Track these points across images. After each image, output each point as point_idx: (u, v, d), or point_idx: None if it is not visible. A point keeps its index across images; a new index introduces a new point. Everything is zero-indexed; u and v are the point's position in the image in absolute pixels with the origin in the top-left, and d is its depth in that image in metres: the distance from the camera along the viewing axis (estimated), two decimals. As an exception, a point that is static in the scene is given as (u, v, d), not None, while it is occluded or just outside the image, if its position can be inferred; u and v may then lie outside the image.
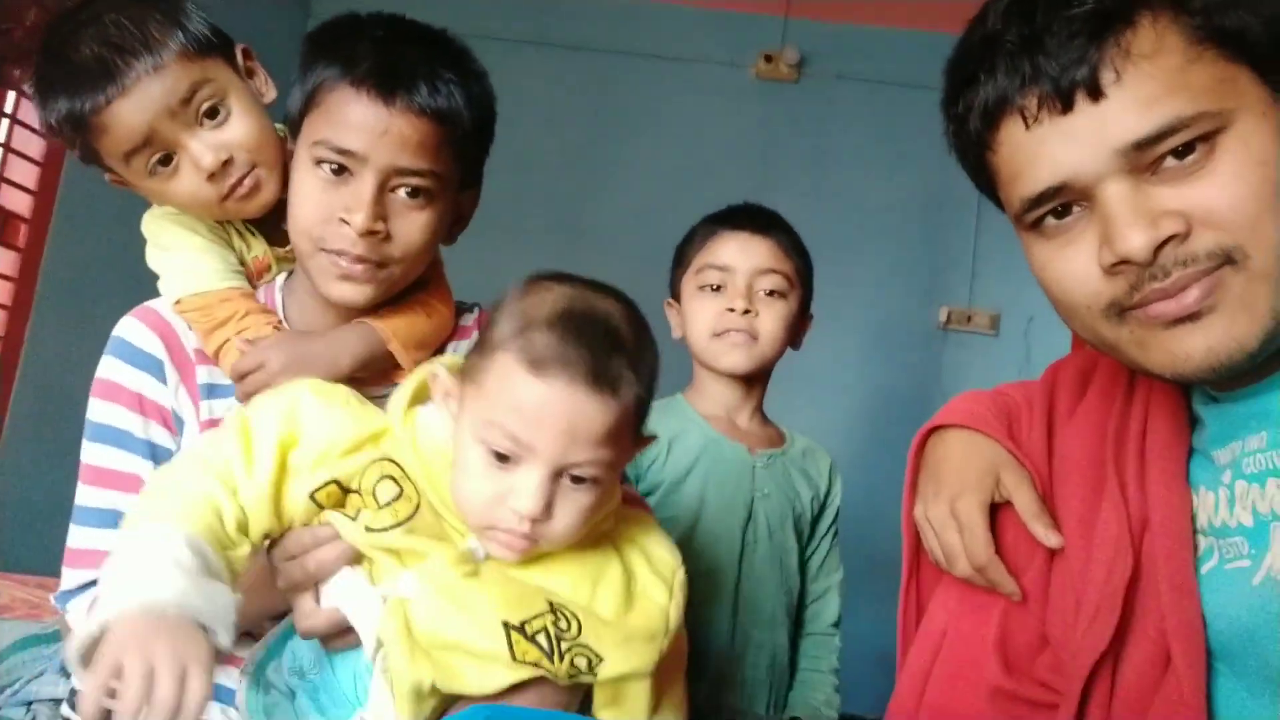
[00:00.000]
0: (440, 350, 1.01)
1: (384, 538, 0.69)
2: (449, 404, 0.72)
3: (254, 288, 0.96)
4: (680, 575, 0.77)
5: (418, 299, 0.96)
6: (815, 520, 1.35)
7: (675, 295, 1.37)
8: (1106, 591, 0.71)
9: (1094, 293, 0.66)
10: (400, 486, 0.71)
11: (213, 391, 0.92)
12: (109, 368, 0.92)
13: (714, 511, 1.25)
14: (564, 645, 0.67)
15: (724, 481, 1.26)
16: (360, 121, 0.82)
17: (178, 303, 0.91)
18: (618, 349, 0.68)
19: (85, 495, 0.91)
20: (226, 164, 0.89)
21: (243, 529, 0.68)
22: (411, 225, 0.86)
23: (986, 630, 0.78)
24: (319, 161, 0.84)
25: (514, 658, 0.66)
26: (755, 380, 1.32)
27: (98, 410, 0.91)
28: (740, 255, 1.28)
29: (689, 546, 1.21)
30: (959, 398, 0.91)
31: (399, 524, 0.69)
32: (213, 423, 0.90)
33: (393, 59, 0.84)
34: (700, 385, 1.34)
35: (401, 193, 0.85)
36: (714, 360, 1.28)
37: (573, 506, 0.69)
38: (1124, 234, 0.62)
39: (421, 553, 0.69)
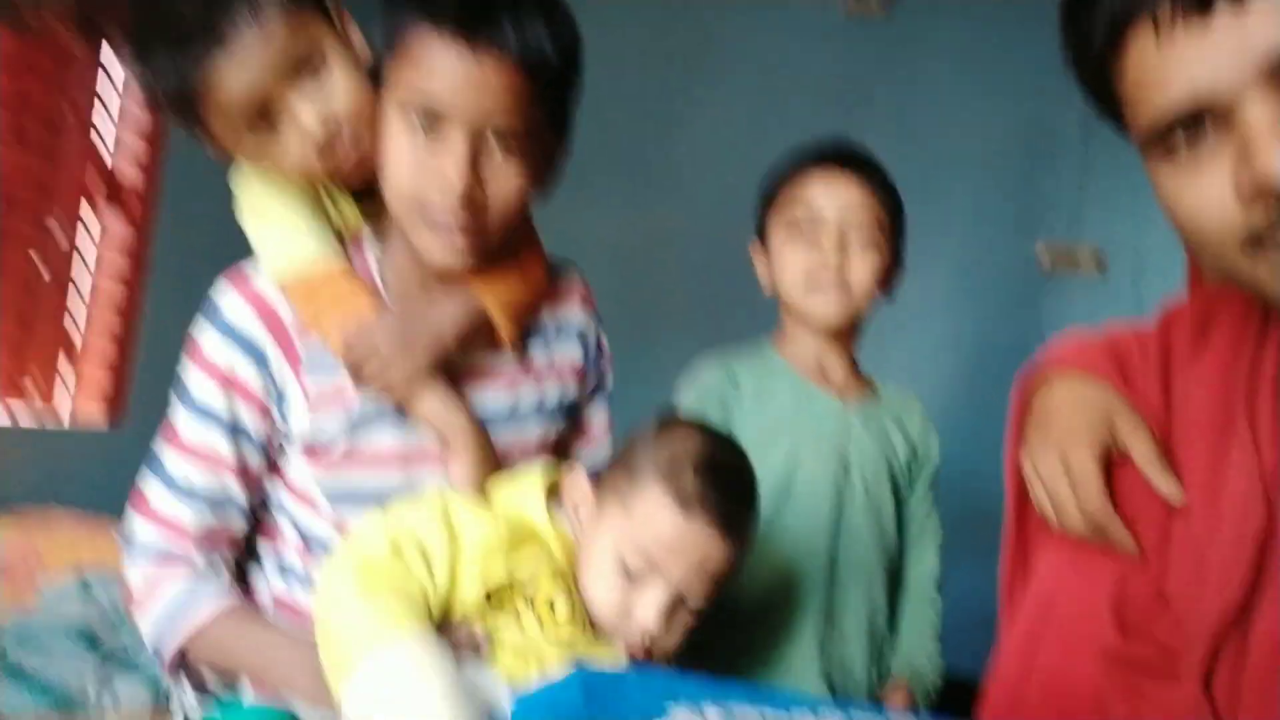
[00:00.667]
0: (535, 310, 0.99)
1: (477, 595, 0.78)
2: (580, 511, 0.85)
3: (346, 250, 0.94)
4: None
5: (513, 260, 0.94)
6: (911, 475, 1.29)
7: (760, 235, 1.30)
8: (1236, 550, 0.66)
9: (1230, 223, 0.60)
10: (572, 600, 0.80)
11: (315, 367, 0.90)
12: (202, 334, 0.91)
13: (808, 466, 1.20)
14: None
15: (818, 435, 1.21)
16: (447, 70, 0.79)
17: (280, 282, 0.89)
18: (745, 501, 0.85)
19: (163, 451, 0.92)
20: (332, 130, 0.85)
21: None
22: (508, 184, 0.84)
23: (1100, 590, 0.73)
24: (408, 116, 0.82)
25: None
26: (847, 330, 1.26)
27: (188, 373, 0.91)
28: (832, 199, 1.21)
29: (781, 503, 1.18)
30: (1065, 339, 0.85)
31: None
32: (320, 397, 0.89)
33: (481, 2, 0.80)
34: (790, 334, 1.28)
35: (495, 150, 0.83)
36: (805, 312, 1.23)
37: (679, 628, 0.82)
38: (1266, 157, 0.56)
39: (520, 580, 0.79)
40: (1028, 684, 0.75)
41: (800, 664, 1.14)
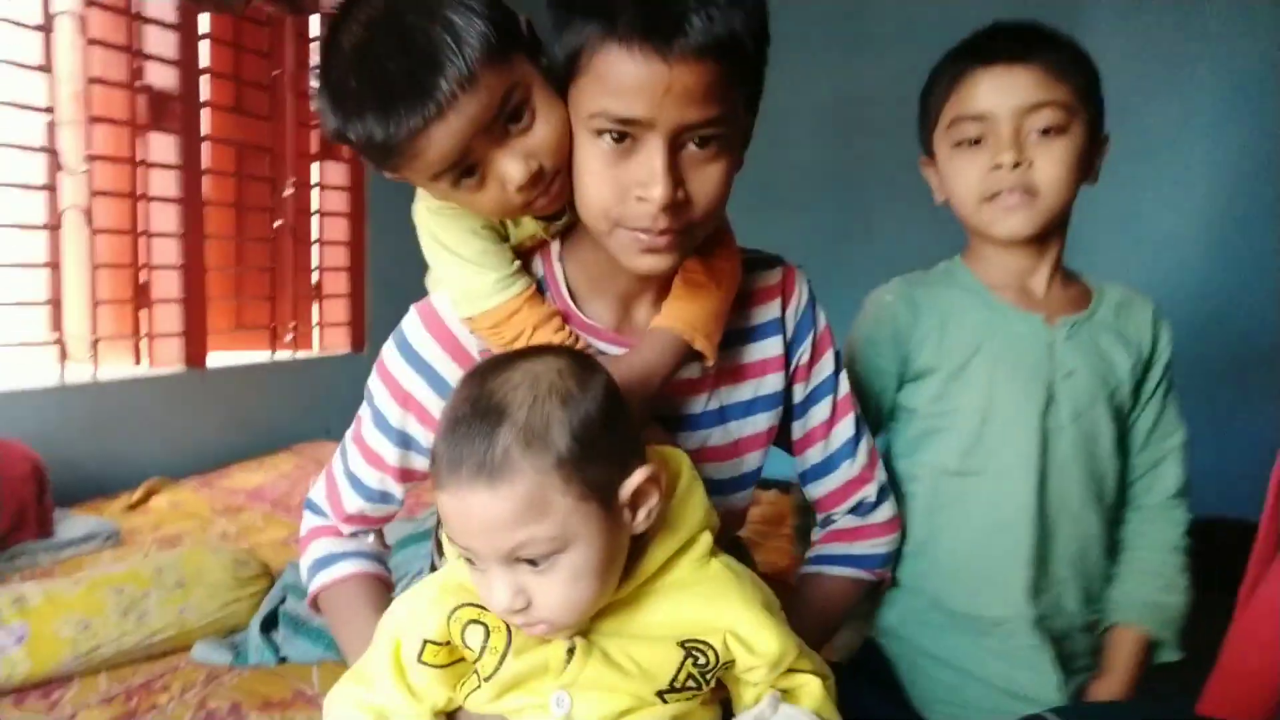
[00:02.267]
0: (734, 308, 0.94)
1: (502, 679, 0.69)
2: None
3: (530, 260, 0.92)
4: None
5: (705, 265, 0.90)
6: (1141, 384, 1.12)
7: (928, 152, 1.14)
8: None
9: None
10: (483, 623, 0.70)
11: None
12: (389, 352, 0.93)
13: (1006, 399, 1.07)
14: (708, 676, 0.69)
15: (1018, 362, 1.07)
16: (636, 84, 0.73)
17: (469, 321, 0.88)
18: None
19: (346, 438, 0.98)
20: (537, 174, 0.80)
21: None
22: (709, 180, 0.79)
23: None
24: (599, 132, 0.77)
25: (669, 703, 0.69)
26: (1048, 237, 1.09)
27: (372, 379, 0.95)
28: (998, 95, 1.03)
29: (975, 443, 1.09)
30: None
31: (502, 656, 0.69)
32: None
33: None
34: (979, 250, 1.13)
35: (692, 146, 0.77)
36: (988, 228, 1.07)
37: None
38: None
39: (544, 664, 0.69)
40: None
41: (1011, 615, 1.07)
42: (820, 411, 1.02)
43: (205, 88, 2.45)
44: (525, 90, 0.78)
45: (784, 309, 0.99)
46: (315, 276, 2.91)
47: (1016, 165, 1.02)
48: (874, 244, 3.51)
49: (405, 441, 0.93)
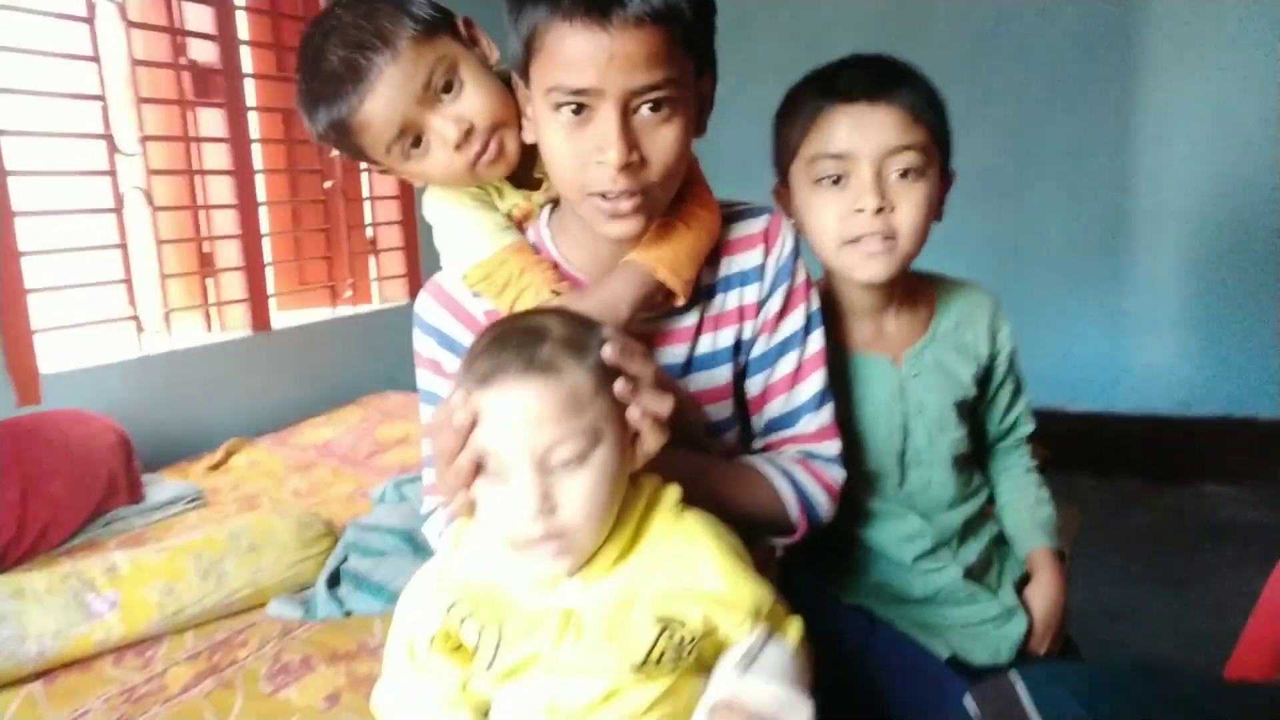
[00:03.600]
0: (715, 262, 0.99)
1: (498, 670, 0.74)
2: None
3: (523, 234, 0.99)
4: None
5: (676, 212, 0.94)
6: (988, 379, 1.19)
7: (782, 180, 1.12)
8: None
9: None
10: (475, 618, 0.74)
11: None
12: (415, 337, 1.02)
13: (866, 443, 1.11)
14: (685, 650, 0.72)
15: (875, 412, 1.11)
16: (583, 56, 0.80)
17: (465, 278, 0.97)
18: None
19: (426, 444, 1.01)
20: (469, 134, 0.92)
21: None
22: (663, 141, 0.85)
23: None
24: (557, 106, 0.83)
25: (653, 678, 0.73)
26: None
27: (418, 374, 1.02)
28: (860, 137, 1.02)
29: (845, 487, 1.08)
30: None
31: (496, 648, 0.74)
32: None
33: None
34: (834, 287, 1.13)
35: (645, 111, 0.83)
36: (849, 272, 1.07)
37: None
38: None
39: (534, 654, 0.73)
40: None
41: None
42: (785, 365, 1.02)
43: (246, 58, 2.52)
44: (452, 65, 0.92)
45: (765, 256, 1.00)
46: (369, 232, 3.00)
47: (879, 211, 1.02)
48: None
49: None
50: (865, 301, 1.13)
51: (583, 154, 0.84)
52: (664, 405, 0.77)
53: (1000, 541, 1.23)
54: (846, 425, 1.08)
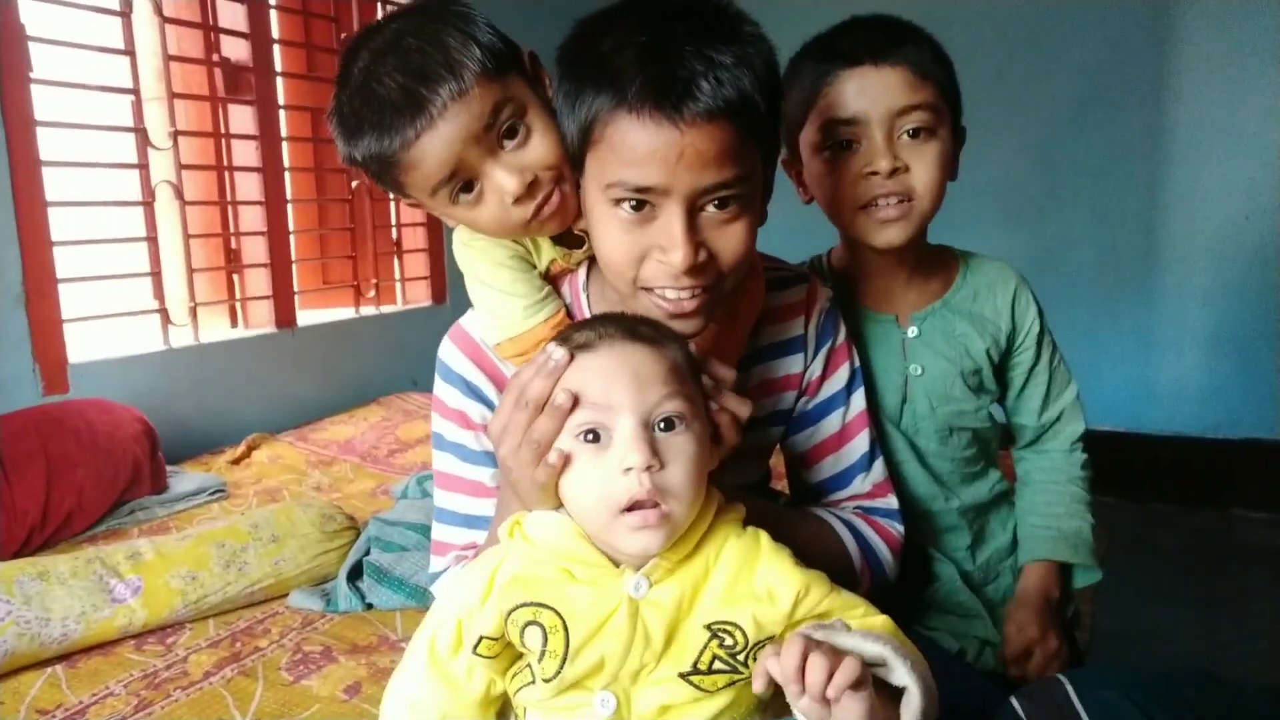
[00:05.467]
0: (755, 330, 0.96)
1: (563, 680, 0.70)
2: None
3: (558, 290, 0.94)
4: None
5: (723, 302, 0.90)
6: (1006, 359, 1.16)
7: (792, 151, 1.10)
8: None
9: None
10: (540, 624, 0.70)
11: None
12: (437, 386, 0.96)
13: (870, 398, 1.08)
14: (741, 657, 0.70)
15: (875, 365, 1.10)
16: (649, 152, 0.74)
17: (497, 348, 0.91)
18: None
19: (439, 498, 0.98)
20: (531, 187, 0.83)
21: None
22: (731, 239, 0.79)
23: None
24: (617, 201, 0.78)
25: (709, 692, 0.69)
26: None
27: (436, 422, 0.97)
28: (868, 98, 1.00)
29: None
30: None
31: (562, 661, 0.69)
32: None
33: (662, 65, 0.73)
34: (850, 251, 1.13)
35: (712, 208, 0.77)
36: (865, 236, 1.05)
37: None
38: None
39: (600, 660, 0.70)
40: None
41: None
42: (830, 424, 1.02)
43: (278, 57, 2.53)
44: (519, 108, 0.82)
45: (806, 325, 1.00)
46: (395, 233, 3.00)
47: (894, 172, 1.01)
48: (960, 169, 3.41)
49: (493, 460, 0.90)
50: (880, 264, 1.12)
51: (641, 249, 0.79)
52: (743, 408, 0.77)
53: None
54: None
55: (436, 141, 0.79)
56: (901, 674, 0.64)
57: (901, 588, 1.06)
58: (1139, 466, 3.34)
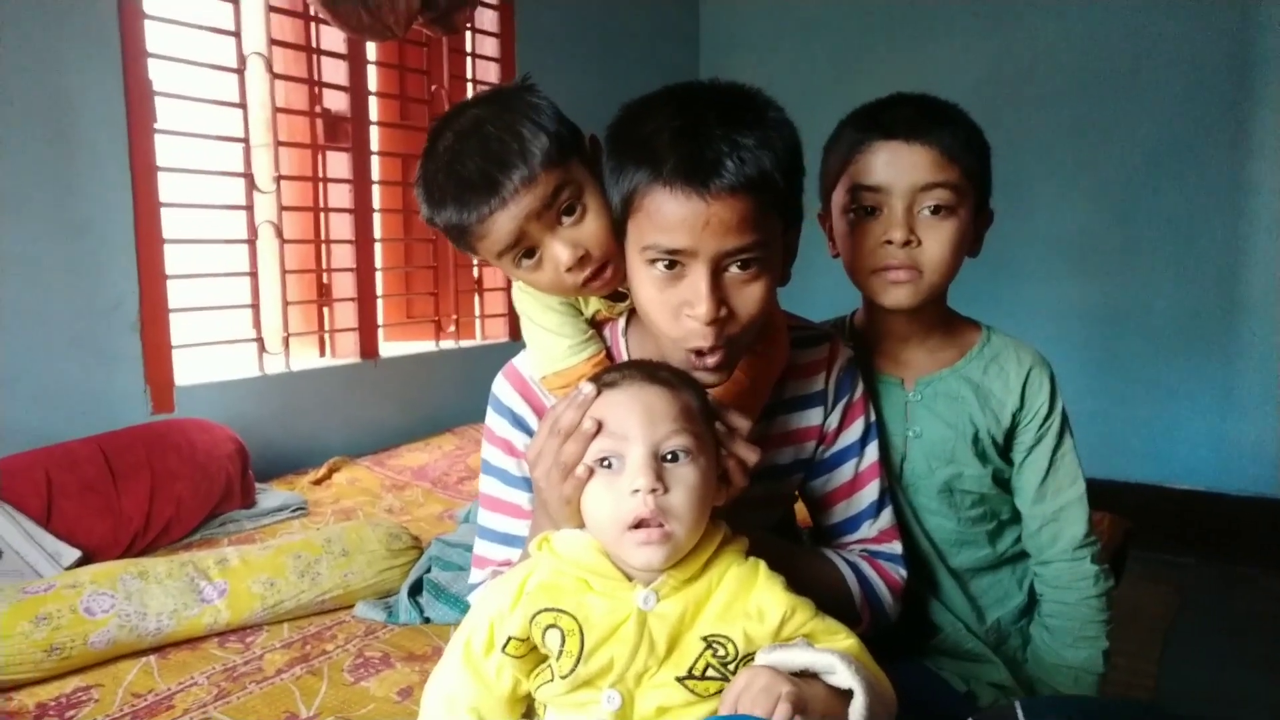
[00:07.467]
0: (780, 384, 1.05)
1: (576, 678, 0.78)
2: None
3: (602, 335, 1.05)
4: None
5: (747, 364, 0.99)
6: (1011, 437, 1.16)
7: (826, 207, 1.18)
8: None
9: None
10: (559, 627, 0.78)
11: None
12: (489, 416, 1.08)
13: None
14: (731, 666, 0.78)
15: (883, 426, 1.15)
16: (679, 219, 0.84)
17: (543, 380, 1.02)
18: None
19: (483, 516, 1.09)
20: (583, 259, 0.94)
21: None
22: (749, 297, 0.89)
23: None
24: (652, 261, 0.88)
25: (701, 697, 0.78)
26: (927, 305, 1.13)
27: (485, 448, 1.09)
28: (894, 171, 1.06)
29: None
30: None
31: (576, 660, 0.78)
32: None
33: (693, 146, 0.84)
34: (868, 310, 1.20)
35: (734, 269, 0.87)
36: (876, 296, 1.12)
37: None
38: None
39: (610, 662, 0.78)
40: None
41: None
42: (844, 472, 1.10)
43: (373, 107, 2.74)
44: (578, 189, 0.94)
45: (827, 381, 1.08)
46: (475, 272, 3.17)
47: (906, 244, 1.07)
48: (1033, 219, 3.43)
49: (530, 484, 0.99)
50: (891, 326, 1.18)
51: (674, 306, 0.88)
52: (752, 455, 0.86)
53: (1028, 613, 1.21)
54: None
55: (505, 218, 0.91)
56: (845, 677, 0.73)
57: (912, 630, 1.11)
58: (1218, 526, 3.25)
